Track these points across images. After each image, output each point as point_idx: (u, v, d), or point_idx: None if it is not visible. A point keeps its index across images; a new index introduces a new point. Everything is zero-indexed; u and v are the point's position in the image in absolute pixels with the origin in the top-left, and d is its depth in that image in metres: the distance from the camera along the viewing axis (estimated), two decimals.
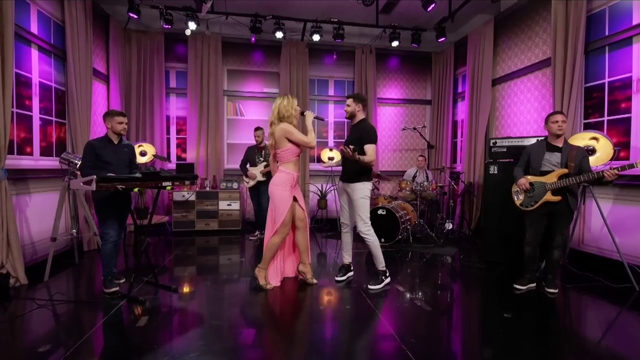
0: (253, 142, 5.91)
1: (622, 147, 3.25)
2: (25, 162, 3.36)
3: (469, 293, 3.13)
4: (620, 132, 3.32)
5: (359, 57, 6.07)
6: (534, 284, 3.01)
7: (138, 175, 2.71)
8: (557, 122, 2.79)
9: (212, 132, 5.67)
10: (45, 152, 3.68)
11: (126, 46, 5.34)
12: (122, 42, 5.24)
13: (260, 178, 4.63)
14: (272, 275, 3.05)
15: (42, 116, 3.61)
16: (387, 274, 3.07)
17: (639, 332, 2.27)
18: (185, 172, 5.23)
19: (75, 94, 3.94)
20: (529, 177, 2.93)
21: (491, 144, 3.77)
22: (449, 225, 4.78)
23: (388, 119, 6.44)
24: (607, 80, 3.44)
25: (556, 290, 2.88)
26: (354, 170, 2.97)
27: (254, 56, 5.95)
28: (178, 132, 5.82)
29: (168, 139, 5.71)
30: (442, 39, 5.48)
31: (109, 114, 2.90)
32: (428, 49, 6.26)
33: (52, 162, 3.73)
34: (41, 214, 3.48)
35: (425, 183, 4.77)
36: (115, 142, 2.93)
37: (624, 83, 3.27)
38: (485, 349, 2.05)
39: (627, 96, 3.24)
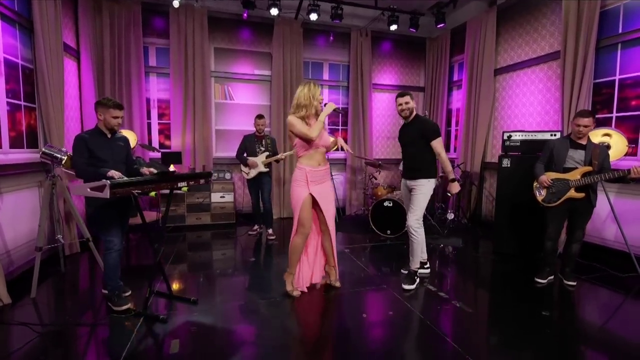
0: (245, 128, 5.53)
1: (630, 143, 3.37)
2: None
3: (496, 290, 3.12)
4: (629, 128, 3.45)
5: (355, 39, 5.79)
6: (552, 276, 3.11)
7: (151, 176, 2.35)
8: (581, 126, 2.78)
9: (199, 118, 5.17)
10: (15, 143, 3.09)
11: (97, 17, 4.60)
12: (92, 13, 4.51)
13: (262, 169, 4.30)
14: (299, 280, 2.85)
15: (9, 100, 2.99)
16: (418, 274, 3.01)
17: None
18: (172, 162, 4.78)
19: (46, 72, 3.31)
20: (551, 173, 2.96)
21: (505, 138, 3.78)
22: (450, 216, 4.83)
23: (383, 105, 6.30)
24: (617, 77, 3.53)
25: (575, 283, 2.99)
26: (420, 166, 2.93)
27: (244, 34, 5.44)
28: (160, 116, 5.24)
29: (149, 124, 5.13)
30: (442, 25, 5.37)
31: (103, 104, 2.45)
32: (422, 34, 6.12)
33: (24, 155, 3.16)
34: (15, 217, 2.95)
35: None
36: (109, 135, 2.51)
37: (636, 81, 3.37)
38: (541, 350, 2.06)
39: (638, 94, 3.35)
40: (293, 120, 2.62)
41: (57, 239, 2.96)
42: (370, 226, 4.65)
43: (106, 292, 2.56)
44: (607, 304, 2.82)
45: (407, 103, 2.91)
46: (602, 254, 3.60)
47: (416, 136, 2.95)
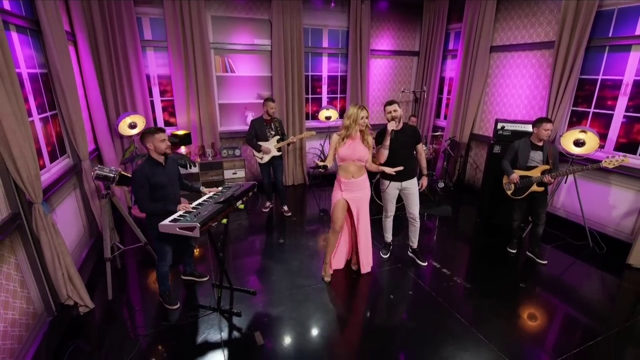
0: (247, 101, 5.60)
1: (600, 137, 4.00)
2: (43, 178, 2.87)
3: (486, 264, 3.77)
4: (601, 124, 4.05)
5: (354, 4, 5.61)
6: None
7: (219, 205, 2.65)
8: (547, 130, 3.36)
9: (203, 93, 5.11)
10: (51, 157, 3.13)
11: None
12: None
13: (275, 153, 4.54)
14: (336, 261, 3.48)
15: (41, 116, 2.95)
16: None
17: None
18: (183, 144, 4.87)
19: (60, 72, 3.18)
20: (518, 171, 3.58)
21: (499, 127, 4.27)
22: (441, 184, 5.49)
23: (379, 72, 6.41)
24: (600, 77, 3.99)
25: (546, 262, 3.71)
26: (414, 167, 3.42)
27: None
28: (162, 93, 5.10)
29: (152, 103, 5.01)
30: None
31: (148, 133, 2.61)
32: None
33: (61, 165, 3.27)
34: (66, 226, 3.17)
35: None
36: (164, 163, 2.71)
37: (615, 84, 3.86)
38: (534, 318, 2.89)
39: (615, 95, 3.88)
40: (334, 137, 3.04)
41: (117, 245, 3.27)
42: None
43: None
44: (573, 265, 3.74)
45: (395, 111, 3.20)
46: (557, 222, 4.47)
47: (411, 140, 3.35)
